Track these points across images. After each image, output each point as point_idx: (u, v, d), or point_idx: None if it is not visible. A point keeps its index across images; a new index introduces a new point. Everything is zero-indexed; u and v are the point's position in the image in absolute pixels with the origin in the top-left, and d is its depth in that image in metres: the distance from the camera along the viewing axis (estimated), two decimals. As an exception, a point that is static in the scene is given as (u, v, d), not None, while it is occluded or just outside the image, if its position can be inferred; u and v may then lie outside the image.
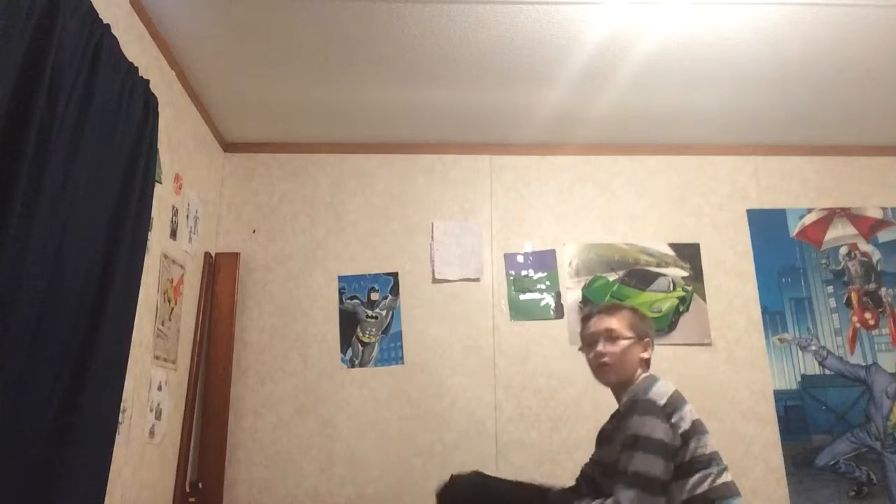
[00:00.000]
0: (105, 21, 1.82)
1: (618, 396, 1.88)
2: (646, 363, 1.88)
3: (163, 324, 2.44)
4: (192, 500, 2.66)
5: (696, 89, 2.75)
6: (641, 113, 2.95)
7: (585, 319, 1.96)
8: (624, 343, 1.84)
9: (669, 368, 2.82)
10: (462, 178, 3.22)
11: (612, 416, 1.90)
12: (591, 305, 1.96)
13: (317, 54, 2.51)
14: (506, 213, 3.16)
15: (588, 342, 1.92)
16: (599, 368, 1.87)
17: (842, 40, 2.42)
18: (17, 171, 1.43)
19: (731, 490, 1.67)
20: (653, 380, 1.79)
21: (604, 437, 1.90)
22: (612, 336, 1.85)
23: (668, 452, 1.60)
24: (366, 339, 2.98)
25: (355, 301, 3.02)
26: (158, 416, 2.41)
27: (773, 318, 3.02)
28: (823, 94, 2.80)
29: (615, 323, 1.87)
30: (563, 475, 2.75)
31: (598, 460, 1.90)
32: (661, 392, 1.72)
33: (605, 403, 2.00)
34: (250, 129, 3.13)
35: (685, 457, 1.63)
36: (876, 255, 3.11)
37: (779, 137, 3.19)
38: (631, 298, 2.98)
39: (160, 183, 2.37)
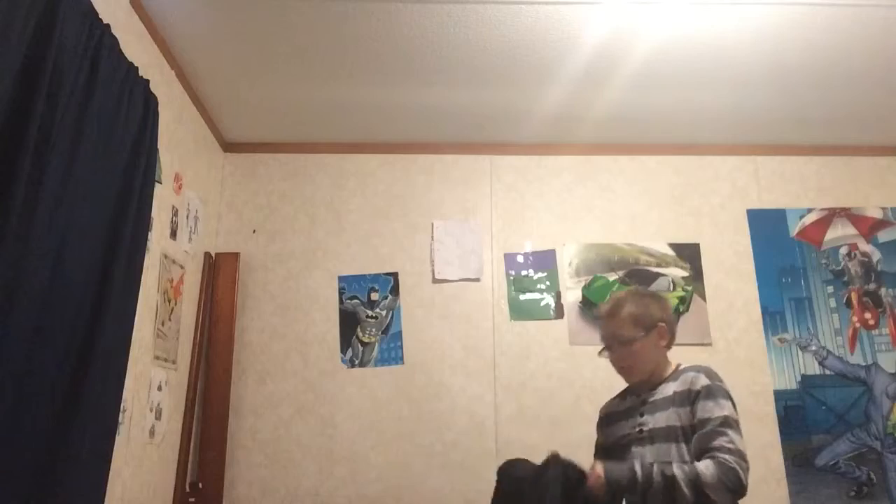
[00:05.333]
0: (105, 21, 1.83)
1: (648, 386, 1.85)
2: (666, 347, 1.87)
3: (163, 324, 2.44)
4: (192, 500, 2.66)
5: (696, 89, 2.75)
6: (641, 113, 2.95)
7: (597, 319, 1.96)
8: (635, 346, 1.83)
9: (669, 368, 2.82)
10: (462, 178, 3.22)
11: (625, 394, 1.92)
12: (598, 307, 1.96)
13: (317, 54, 2.51)
14: (506, 213, 3.16)
15: (605, 346, 1.91)
16: (620, 372, 1.89)
17: (842, 40, 2.42)
18: (18, 171, 1.43)
19: None
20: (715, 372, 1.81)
21: (618, 415, 1.90)
22: (620, 341, 1.85)
23: None
24: (366, 339, 2.98)
25: (355, 301, 3.02)
26: (158, 416, 2.41)
27: (773, 318, 3.02)
28: (823, 94, 2.80)
29: (619, 326, 1.85)
30: (563, 475, 2.75)
31: (612, 437, 1.88)
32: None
33: (606, 401, 2.00)
34: (250, 129, 3.13)
35: None
36: (876, 255, 3.11)
37: (779, 137, 3.19)
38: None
39: (160, 183, 2.37)
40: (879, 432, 2.87)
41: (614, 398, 1.99)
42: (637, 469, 1.64)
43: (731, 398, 1.72)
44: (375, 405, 2.89)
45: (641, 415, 1.81)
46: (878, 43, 2.44)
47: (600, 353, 1.92)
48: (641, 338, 1.83)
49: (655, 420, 1.77)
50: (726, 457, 1.59)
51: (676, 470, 1.60)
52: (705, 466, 1.59)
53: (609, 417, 1.95)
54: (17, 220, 1.43)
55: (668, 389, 1.78)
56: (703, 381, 1.73)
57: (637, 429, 1.80)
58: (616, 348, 1.86)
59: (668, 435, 1.72)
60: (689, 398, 1.72)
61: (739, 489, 1.58)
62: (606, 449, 1.90)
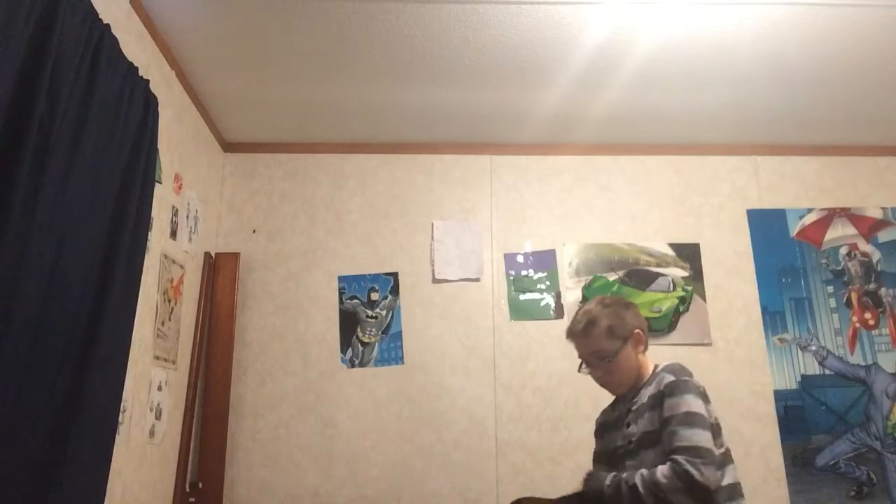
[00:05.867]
0: (105, 21, 1.82)
1: (633, 393, 1.85)
2: (643, 351, 1.86)
3: (163, 324, 2.44)
4: (192, 500, 2.66)
5: (696, 89, 2.75)
6: (641, 113, 2.95)
7: (569, 338, 1.91)
8: (618, 358, 1.80)
9: (669, 368, 2.82)
10: (462, 178, 3.22)
11: (616, 403, 1.92)
12: (569, 326, 1.91)
13: (317, 54, 2.51)
14: (506, 213, 3.16)
15: (583, 361, 1.89)
16: (605, 387, 1.88)
17: (842, 40, 2.42)
18: (18, 171, 1.43)
19: (739, 490, 1.68)
20: (686, 368, 1.78)
21: (610, 425, 1.90)
22: (599, 356, 1.82)
23: (714, 431, 1.65)
24: (366, 339, 2.98)
25: (355, 301, 3.02)
26: (158, 416, 2.41)
27: (773, 318, 3.02)
28: (823, 94, 2.80)
29: (597, 342, 1.82)
30: (563, 475, 2.75)
31: (609, 447, 1.88)
32: (698, 381, 1.74)
33: (605, 403, 2.00)
34: (250, 129, 3.13)
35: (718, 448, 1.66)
36: (876, 255, 3.11)
37: (779, 137, 3.19)
38: (631, 298, 2.98)
39: (160, 183, 2.37)
40: (879, 432, 2.87)
41: (608, 406, 1.98)
42: (607, 480, 1.66)
43: (696, 391, 1.67)
44: (375, 405, 2.89)
45: (628, 425, 1.80)
46: (878, 43, 2.44)
47: (579, 369, 1.89)
48: (620, 348, 1.80)
49: (639, 428, 1.76)
50: (679, 458, 1.55)
51: (637, 479, 1.60)
52: (661, 472, 1.57)
53: (603, 427, 1.95)
54: (17, 219, 1.43)
55: (646, 394, 1.77)
56: (667, 379, 1.70)
57: (627, 440, 1.79)
58: (597, 364, 1.83)
59: (649, 441, 1.71)
60: (659, 399, 1.70)
61: (696, 488, 1.53)
62: (608, 455, 1.89)
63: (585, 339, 1.84)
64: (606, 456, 1.88)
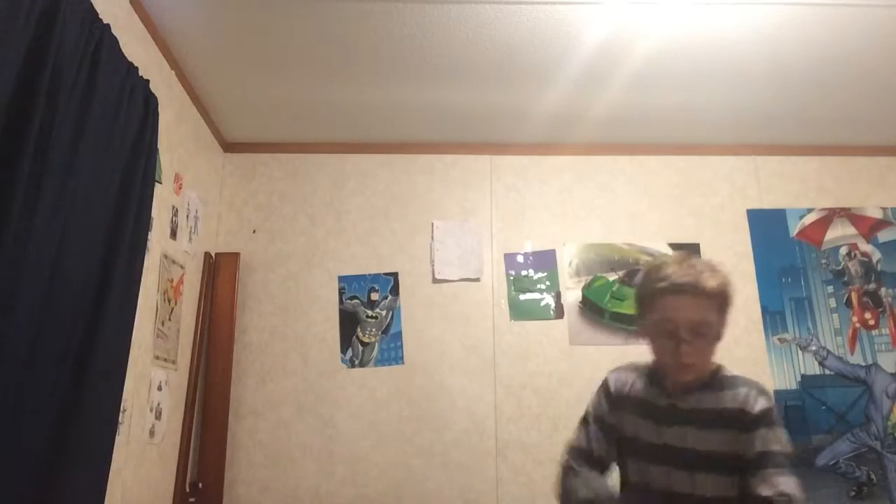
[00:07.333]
0: (105, 21, 1.83)
1: (682, 385, 1.45)
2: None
3: (163, 324, 2.44)
4: (192, 500, 2.66)
5: (696, 89, 2.75)
6: (641, 113, 2.95)
7: (658, 294, 1.41)
8: (714, 336, 1.40)
9: (669, 368, 2.82)
10: (462, 178, 3.22)
11: (652, 380, 1.52)
12: (656, 268, 1.43)
13: (317, 54, 2.51)
14: (506, 213, 3.16)
15: (660, 329, 1.41)
16: (679, 368, 1.41)
17: (842, 40, 2.42)
18: (18, 171, 1.43)
19: None
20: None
21: (649, 408, 1.49)
22: (701, 332, 1.37)
23: None
24: (366, 339, 2.98)
25: (355, 301, 3.02)
26: (158, 416, 2.41)
27: (773, 318, 3.02)
28: (823, 94, 2.80)
29: (709, 314, 1.37)
30: (563, 475, 2.74)
31: (632, 431, 1.51)
32: None
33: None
34: (250, 129, 3.13)
35: None
36: (876, 255, 3.11)
37: (779, 137, 3.19)
38: (631, 299, 2.98)
39: (160, 183, 2.37)
40: (879, 432, 2.87)
41: (635, 375, 1.54)
42: None
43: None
44: (375, 405, 2.89)
45: (669, 425, 1.44)
46: (878, 43, 2.44)
47: (643, 326, 1.49)
48: (723, 327, 1.40)
49: (695, 438, 1.41)
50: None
51: None
52: None
53: (631, 403, 1.52)
54: (18, 220, 1.43)
55: (712, 400, 1.42)
56: (761, 403, 1.39)
57: (662, 442, 1.44)
58: (688, 337, 1.37)
59: (712, 463, 1.40)
60: (744, 422, 1.38)
61: None
62: (627, 441, 1.51)
63: (691, 299, 1.36)
64: (629, 442, 1.51)
